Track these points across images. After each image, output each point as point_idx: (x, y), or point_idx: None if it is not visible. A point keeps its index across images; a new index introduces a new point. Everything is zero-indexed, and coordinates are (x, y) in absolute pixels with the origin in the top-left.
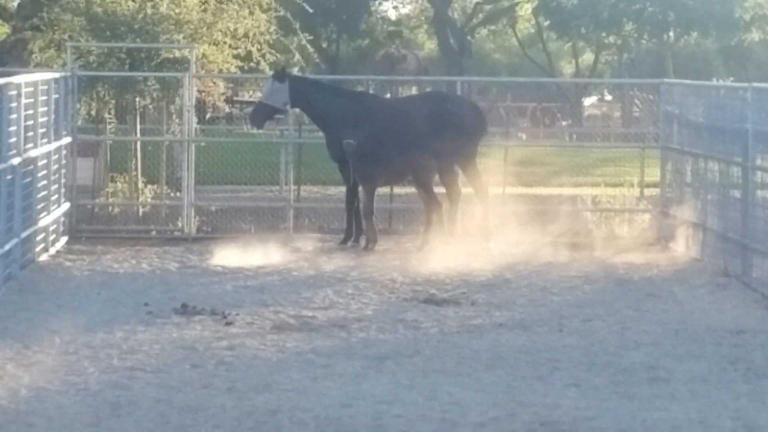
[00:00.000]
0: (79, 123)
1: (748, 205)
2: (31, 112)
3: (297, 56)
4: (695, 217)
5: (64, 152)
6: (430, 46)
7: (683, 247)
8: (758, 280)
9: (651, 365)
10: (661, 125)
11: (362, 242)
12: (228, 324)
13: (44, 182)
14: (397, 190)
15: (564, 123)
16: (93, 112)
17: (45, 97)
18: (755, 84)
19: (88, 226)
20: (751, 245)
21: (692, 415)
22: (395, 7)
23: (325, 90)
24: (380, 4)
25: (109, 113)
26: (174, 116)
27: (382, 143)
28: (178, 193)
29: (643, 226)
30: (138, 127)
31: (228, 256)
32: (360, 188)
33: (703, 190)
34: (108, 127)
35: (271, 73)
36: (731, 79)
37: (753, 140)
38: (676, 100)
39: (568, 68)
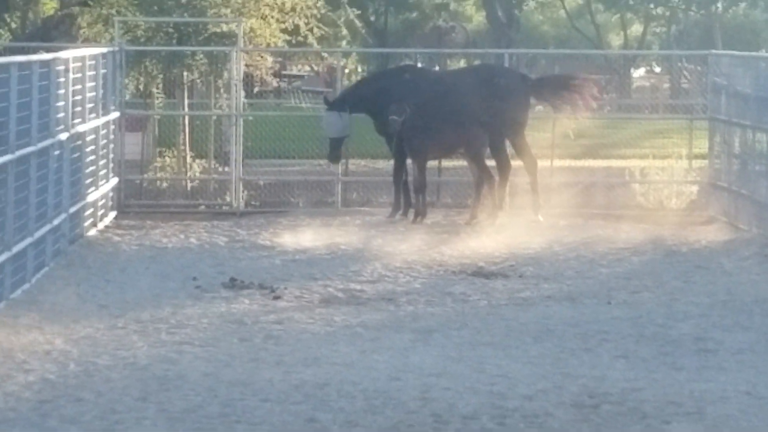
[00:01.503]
0: (127, 98)
1: None
2: (79, 87)
3: (344, 30)
4: (744, 188)
5: (112, 127)
6: (478, 18)
7: (731, 218)
8: None
9: (699, 336)
10: (710, 97)
11: (410, 215)
12: (276, 298)
13: (92, 157)
14: (446, 163)
15: (613, 96)
16: (141, 87)
17: (93, 72)
18: None
19: (136, 201)
20: None
21: (740, 386)
22: None
23: (369, 81)
24: None
25: (157, 88)
26: (222, 90)
27: (432, 117)
28: (226, 168)
29: (691, 198)
30: (186, 101)
31: (276, 230)
32: (410, 162)
33: (751, 162)
34: (156, 101)
35: (316, 46)
36: None
37: None
38: (725, 71)
39: (616, 40)
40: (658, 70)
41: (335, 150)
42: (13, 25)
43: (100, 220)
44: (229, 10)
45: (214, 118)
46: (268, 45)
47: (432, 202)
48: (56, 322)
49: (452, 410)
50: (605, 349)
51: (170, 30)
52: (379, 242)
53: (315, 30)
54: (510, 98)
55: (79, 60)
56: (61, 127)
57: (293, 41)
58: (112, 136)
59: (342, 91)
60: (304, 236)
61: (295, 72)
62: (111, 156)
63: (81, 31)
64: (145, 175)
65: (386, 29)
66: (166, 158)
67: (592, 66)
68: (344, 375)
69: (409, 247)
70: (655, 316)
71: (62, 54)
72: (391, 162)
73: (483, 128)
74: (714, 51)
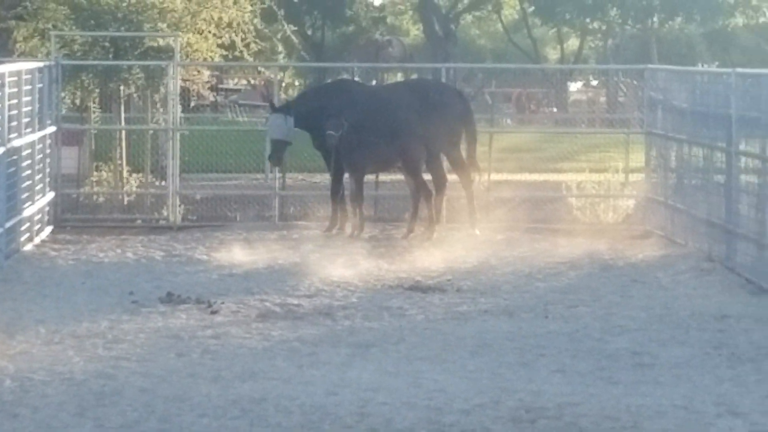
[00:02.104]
0: (64, 112)
1: (731, 190)
2: (15, 101)
3: (280, 47)
4: (679, 202)
5: (48, 141)
6: (415, 32)
7: (668, 232)
8: (742, 265)
9: (635, 351)
10: (646, 111)
11: (348, 230)
12: (213, 313)
13: (28, 172)
14: (383, 177)
15: (554, 110)
16: (77, 101)
17: (29, 87)
18: (738, 69)
19: (72, 216)
20: (734, 230)
21: (676, 401)
22: None
23: (309, 95)
24: None
25: (94, 102)
26: (158, 105)
27: (369, 131)
28: (163, 182)
29: (627, 212)
30: (122, 115)
31: (213, 244)
32: (348, 176)
33: (687, 176)
34: (92, 116)
35: (253, 60)
36: (716, 63)
37: (736, 125)
38: (661, 85)
39: (553, 54)
40: (595, 83)
41: (278, 152)
42: None
43: (37, 234)
44: (165, 25)
45: (151, 132)
46: (205, 60)
47: (369, 216)
48: None
49: (389, 425)
50: (542, 364)
51: (107, 44)
52: (316, 256)
53: (251, 45)
54: (444, 113)
55: (15, 74)
56: None
57: (230, 56)
58: (48, 151)
59: (288, 99)
60: (241, 250)
61: (231, 86)
62: (47, 170)
63: (17, 45)
64: (82, 190)
65: (323, 43)
66: (103, 172)
67: (529, 80)
68: (281, 390)
69: (346, 261)
70: (592, 331)
71: None
72: (328, 176)
73: (420, 142)
74: (650, 65)
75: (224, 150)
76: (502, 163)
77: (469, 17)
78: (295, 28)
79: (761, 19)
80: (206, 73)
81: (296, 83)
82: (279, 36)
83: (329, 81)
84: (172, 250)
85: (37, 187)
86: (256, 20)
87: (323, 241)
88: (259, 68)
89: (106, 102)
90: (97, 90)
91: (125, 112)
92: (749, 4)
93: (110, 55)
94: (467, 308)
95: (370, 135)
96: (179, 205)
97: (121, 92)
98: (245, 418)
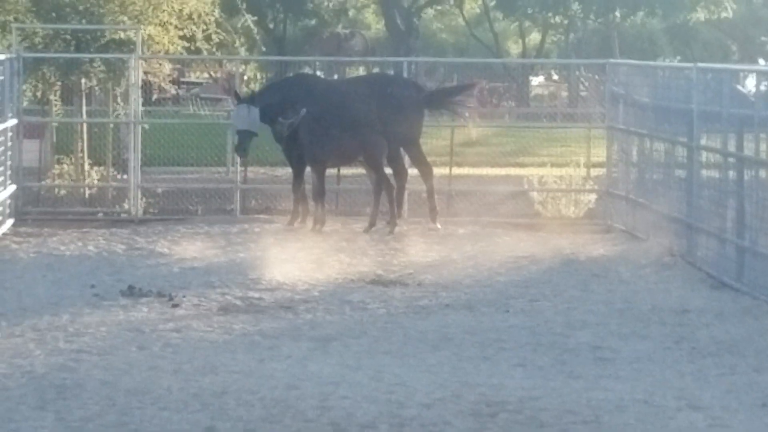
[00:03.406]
0: (25, 105)
1: (692, 185)
2: None
3: (241, 39)
4: (641, 196)
5: (9, 134)
6: (377, 26)
7: (629, 227)
8: (703, 259)
9: (596, 345)
10: (607, 105)
11: (309, 223)
12: (174, 306)
13: None
14: (344, 171)
15: (513, 104)
16: (39, 94)
17: None
18: (700, 64)
19: (34, 209)
20: (695, 225)
21: (637, 395)
22: None
23: (271, 89)
24: None
25: (55, 95)
26: (120, 98)
27: (330, 125)
28: (124, 175)
29: (589, 206)
30: (84, 108)
31: (174, 237)
32: (310, 170)
33: (648, 170)
34: (54, 108)
35: (213, 53)
36: (678, 58)
37: (698, 120)
38: (622, 80)
39: (514, 48)
40: (556, 78)
41: (243, 142)
42: None
43: None
44: (126, 17)
45: (112, 125)
46: (167, 52)
47: (331, 209)
48: None
49: (350, 419)
50: (503, 358)
51: (68, 37)
52: (277, 250)
53: (213, 36)
54: (403, 108)
55: None
56: None
57: (191, 48)
58: (9, 144)
59: (255, 91)
60: (202, 244)
61: (193, 79)
62: (8, 163)
63: None
64: (43, 183)
65: (285, 36)
66: (64, 165)
67: (491, 74)
68: (242, 383)
69: (307, 255)
70: (553, 325)
71: None
72: (290, 169)
73: (381, 136)
74: (611, 60)
75: (186, 143)
76: (464, 157)
77: (430, 11)
78: (255, 18)
79: (723, 14)
80: (168, 66)
81: (258, 76)
82: (239, 26)
83: (290, 75)
84: (133, 244)
85: None
86: (216, 11)
87: (285, 235)
88: (221, 61)
89: (68, 95)
90: (59, 83)
91: (87, 105)
92: None
93: (72, 48)
94: (428, 302)
95: (331, 129)
96: (141, 199)
97: (83, 85)
98: (206, 411)
